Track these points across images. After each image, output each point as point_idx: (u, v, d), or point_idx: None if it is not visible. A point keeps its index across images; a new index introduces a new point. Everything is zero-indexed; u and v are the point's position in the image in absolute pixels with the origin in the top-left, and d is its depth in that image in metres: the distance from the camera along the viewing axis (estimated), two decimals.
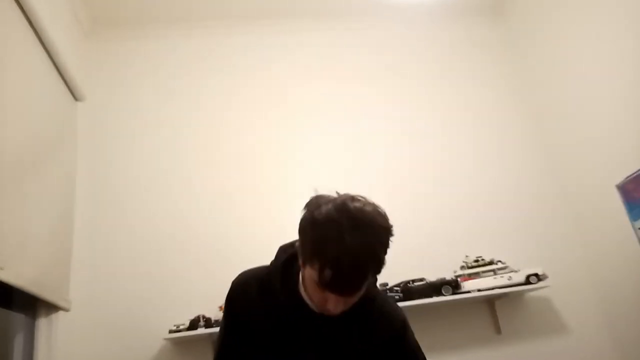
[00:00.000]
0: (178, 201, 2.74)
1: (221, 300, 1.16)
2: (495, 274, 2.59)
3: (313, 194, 0.98)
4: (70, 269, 2.26)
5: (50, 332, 2.07)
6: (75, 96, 2.50)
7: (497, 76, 3.36)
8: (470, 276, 2.59)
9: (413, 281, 2.51)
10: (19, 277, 1.69)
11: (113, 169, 2.77)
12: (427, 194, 2.95)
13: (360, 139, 3.04)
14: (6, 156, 1.69)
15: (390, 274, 2.37)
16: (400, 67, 3.27)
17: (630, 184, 2.48)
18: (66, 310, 2.18)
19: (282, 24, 3.25)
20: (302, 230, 0.96)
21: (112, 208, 2.69)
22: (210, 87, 3.04)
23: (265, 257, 1.15)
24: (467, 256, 2.66)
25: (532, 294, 2.78)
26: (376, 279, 1.10)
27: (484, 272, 2.60)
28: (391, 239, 0.92)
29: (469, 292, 2.53)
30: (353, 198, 0.94)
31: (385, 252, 0.92)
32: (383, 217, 0.93)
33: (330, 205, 0.92)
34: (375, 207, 0.94)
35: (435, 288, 2.51)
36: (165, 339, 2.35)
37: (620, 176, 2.53)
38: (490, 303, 2.74)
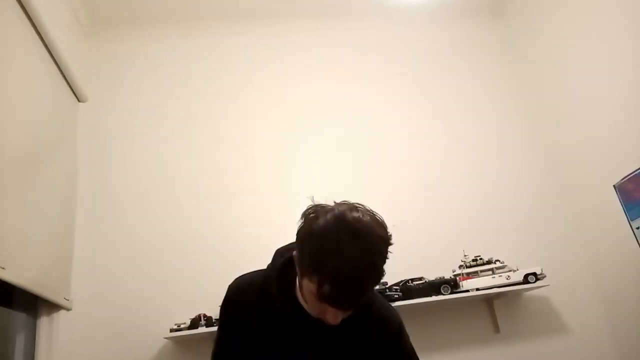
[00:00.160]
0: (178, 200, 2.75)
1: (221, 299, 1.16)
2: (493, 273, 2.60)
3: (310, 203, 0.97)
4: (71, 268, 2.26)
5: (51, 331, 2.07)
6: (76, 96, 2.51)
7: (497, 76, 3.36)
8: (469, 275, 2.60)
9: (412, 280, 2.52)
10: (20, 277, 1.70)
11: (113, 168, 2.78)
12: (426, 193, 2.96)
13: (359, 138, 3.04)
14: (7, 156, 1.70)
15: (390, 273, 2.35)
16: (400, 67, 3.27)
17: (628, 183, 2.49)
18: (67, 309, 2.18)
19: (282, 24, 3.25)
20: (300, 242, 0.95)
21: (112, 208, 2.70)
22: (210, 87, 3.04)
23: (265, 256, 1.15)
24: (465, 255, 2.67)
25: (530, 293, 2.79)
26: None
27: (482, 271, 2.60)
28: (390, 248, 0.91)
29: (467, 291, 2.54)
30: (352, 208, 0.93)
31: (384, 262, 0.91)
32: (382, 227, 0.92)
33: (328, 216, 0.90)
34: (373, 216, 0.93)
35: (434, 287, 2.52)
36: (166, 338, 2.36)
37: (621, 176, 2.54)
38: (489, 302, 2.75)
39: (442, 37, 3.41)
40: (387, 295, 2.39)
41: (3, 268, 1.55)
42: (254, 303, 1.07)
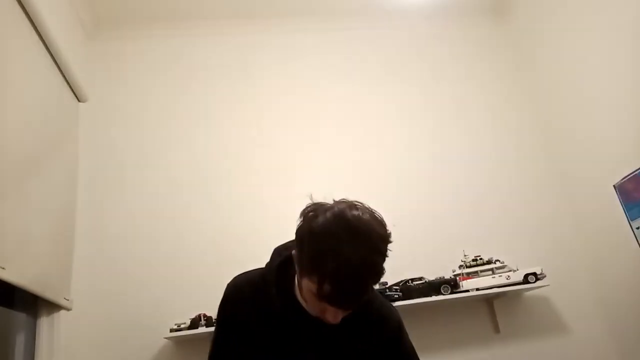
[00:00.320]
0: (179, 201, 2.75)
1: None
2: (493, 273, 2.60)
3: (309, 201, 0.96)
4: (71, 268, 2.26)
5: (52, 331, 2.07)
6: (77, 97, 2.51)
7: (497, 76, 3.36)
8: (469, 275, 2.60)
9: (412, 280, 2.53)
10: (21, 276, 1.70)
11: (114, 169, 2.78)
12: (426, 193, 2.96)
13: (360, 138, 3.05)
14: (8, 156, 1.70)
15: (390, 273, 2.36)
16: (401, 68, 3.27)
17: (628, 183, 2.49)
18: (67, 309, 2.18)
19: (282, 24, 3.26)
20: (299, 241, 0.94)
21: (113, 208, 2.70)
22: (212, 88, 3.05)
23: (265, 255, 1.15)
24: (465, 255, 2.67)
25: (530, 293, 2.79)
26: None
27: (482, 271, 2.61)
28: (389, 247, 0.91)
29: (467, 291, 2.54)
30: (351, 206, 0.92)
31: (384, 261, 0.90)
32: (381, 225, 0.92)
33: (328, 215, 0.90)
34: (373, 214, 0.93)
35: (434, 287, 2.53)
36: (166, 338, 2.36)
37: (621, 176, 2.54)
38: (489, 302, 2.75)
39: (442, 37, 3.41)
40: (387, 295, 2.39)
41: (3, 268, 1.55)
42: (252, 302, 1.07)
